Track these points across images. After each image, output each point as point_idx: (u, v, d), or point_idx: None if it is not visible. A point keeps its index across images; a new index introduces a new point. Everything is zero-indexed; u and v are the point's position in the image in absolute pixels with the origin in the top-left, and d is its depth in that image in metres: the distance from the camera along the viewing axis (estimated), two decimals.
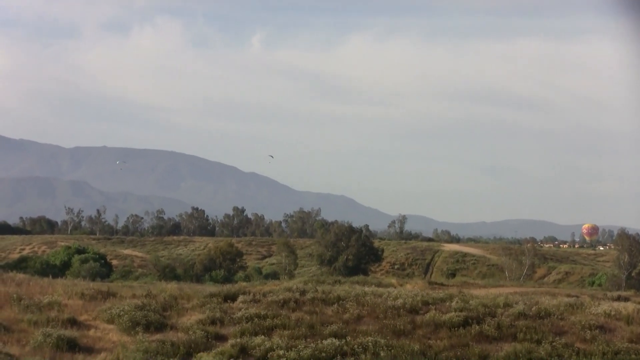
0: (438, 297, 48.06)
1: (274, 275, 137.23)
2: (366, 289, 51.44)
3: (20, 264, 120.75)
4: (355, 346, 37.84)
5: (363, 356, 37.23)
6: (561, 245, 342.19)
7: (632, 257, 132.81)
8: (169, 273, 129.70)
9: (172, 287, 55.84)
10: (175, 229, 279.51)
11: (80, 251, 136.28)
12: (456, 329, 41.25)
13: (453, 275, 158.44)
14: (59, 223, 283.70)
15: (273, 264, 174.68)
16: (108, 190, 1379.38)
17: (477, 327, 41.26)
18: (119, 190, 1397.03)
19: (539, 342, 39.06)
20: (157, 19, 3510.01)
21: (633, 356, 37.95)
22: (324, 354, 37.02)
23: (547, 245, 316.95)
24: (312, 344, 37.94)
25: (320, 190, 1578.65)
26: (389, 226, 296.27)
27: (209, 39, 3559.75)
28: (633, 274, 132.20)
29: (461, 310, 44.08)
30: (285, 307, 46.04)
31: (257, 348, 37.94)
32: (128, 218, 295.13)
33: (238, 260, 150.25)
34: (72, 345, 38.47)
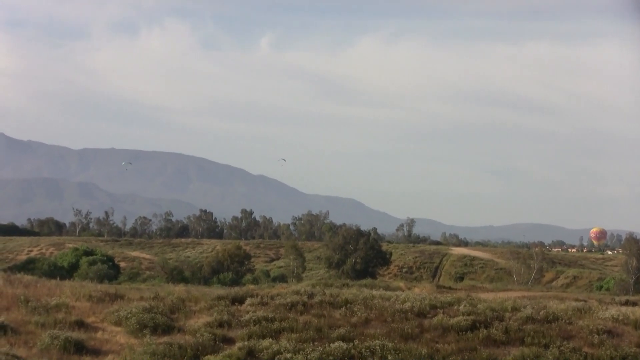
0: (446, 301, 48.01)
1: (281, 278, 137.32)
2: (374, 292, 51.38)
3: (28, 266, 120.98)
4: (363, 350, 37.81)
5: (370, 359, 37.21)
6: (569, 250, 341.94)
7: None
8: (176, 275, 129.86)
9: (179, 289, 55.86)
10: (183, 231, 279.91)
11: (88, 253, 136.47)
12: (464, 332, 41.20)
13: (461, 278, 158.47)
14: (67, 224, 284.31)
15: (281, 266, 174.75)
16: (116, 192, 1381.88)
17: (485, 331, 41.21)
18: (127, 192, 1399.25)
19: (546, 346, 39.00)
20: (166, 20, 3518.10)
21: None
22: (331, 357, 37.00)
23: (555, 249, 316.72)
24: (319, 347, 37.92)
25: (329, 193, 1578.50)
26: (397, 229, 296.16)
27: (217, 41, 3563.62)
28: None
29: (469, 314, 44.02)
30: (293, 310, 46.02)
31: (265, 351, 37.94)
32: (136, 220, 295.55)
33: (246, 263, 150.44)
34: (80, 348, 38.52)
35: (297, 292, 50.44)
